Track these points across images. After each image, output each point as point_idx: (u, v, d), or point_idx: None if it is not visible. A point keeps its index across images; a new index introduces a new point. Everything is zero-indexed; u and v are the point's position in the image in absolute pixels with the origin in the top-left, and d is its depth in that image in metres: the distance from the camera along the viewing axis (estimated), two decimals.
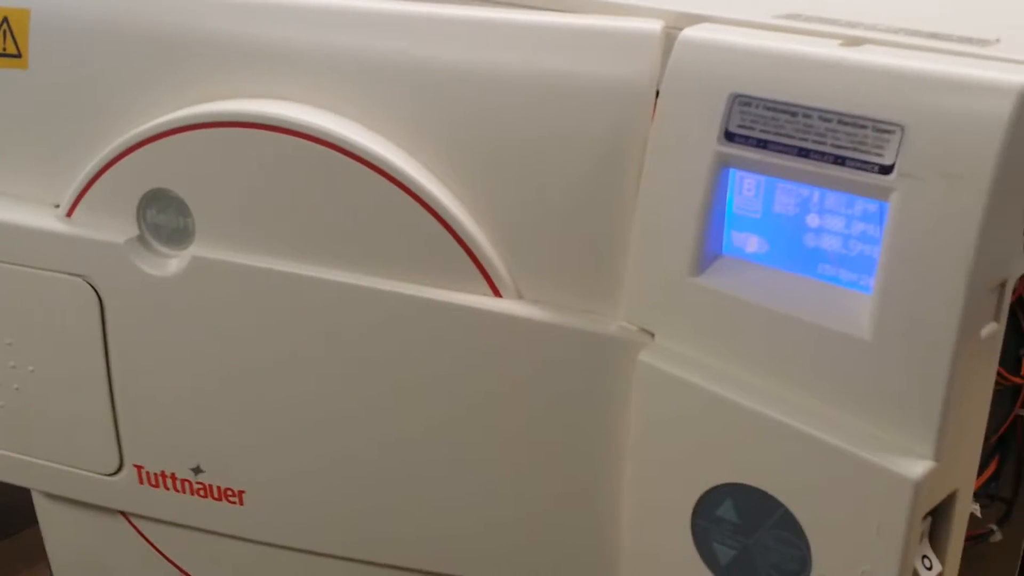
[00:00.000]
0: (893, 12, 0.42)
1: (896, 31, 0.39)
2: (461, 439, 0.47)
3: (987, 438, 0.44)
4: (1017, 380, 0.42)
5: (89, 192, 0.49)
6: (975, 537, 0.46)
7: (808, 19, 0.40)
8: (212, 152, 0.46)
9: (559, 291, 0.44)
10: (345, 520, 0.50)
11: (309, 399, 0.48)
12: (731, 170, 0.39)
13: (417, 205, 0.44)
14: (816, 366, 0.38)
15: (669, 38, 0.41)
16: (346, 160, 0.45)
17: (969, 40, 0.37)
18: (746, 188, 0.40)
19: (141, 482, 0.53)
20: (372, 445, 0.48)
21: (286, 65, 0.46)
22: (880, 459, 0.36)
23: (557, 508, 0.46)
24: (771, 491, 0.39)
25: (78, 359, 0.51)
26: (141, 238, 0.49)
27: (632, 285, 0.42)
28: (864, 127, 0.35)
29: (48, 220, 0.50)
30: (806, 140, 0.37)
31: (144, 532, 0.56)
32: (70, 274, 0.50)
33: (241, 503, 0.51)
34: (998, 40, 0.38)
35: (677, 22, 0.41)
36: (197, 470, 0.52)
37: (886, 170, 0.35)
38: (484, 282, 0.45)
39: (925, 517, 0.38)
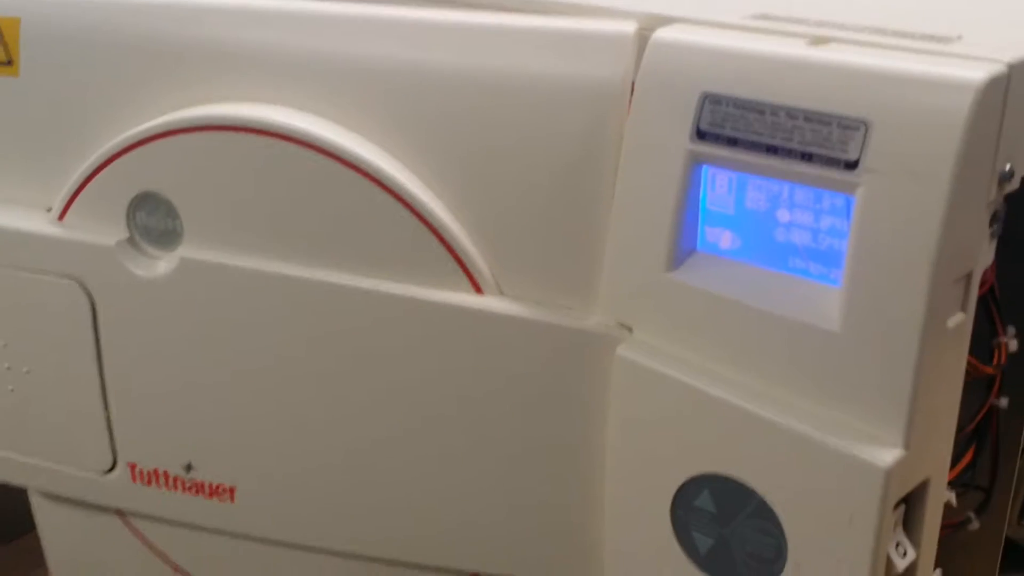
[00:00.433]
0: (861, 11, 0.43)
1: (862, 30, 0.39)
2: (446, 434, 0.47)
3: (963, 428, 0.45)
4: (990, 370, 0.43)
5: (80, 196, 0.50)
6: (953, 525, 0.47)
7: (777, 19, 0.41)
8: (198, 155, 0.47)
9: (539, 288, 0.45)
10: (334, 515, 0.51)
11: (297, 397, 0.49)
12: (704, 167, 0.40)
13: (399, 205, 0.45)
14: (788, 358, 0.38)
15: (642, 39, 0.41)
16: (329, 162, 0.45)
17: (932, 38, 0.38)
18: (719, 185, 0.40)
19: (134, 480, 0.54)
20: (359, 441, 0.49)
21: (270, 70, 0.47)
22: (851, 448, 0.37)
23: (540, 501, 0.47)
24: (746, 481, 0.40)
25: (71, 360, 0.52)
26: (131, 240, 0.50)
27: (610, 281, 0.43)
28: (829, 124, 0.36)
29: (40, 223, 0.51)
30: (774, 137, 0.38)
31: (139, 530, 0.57)
32: (62, 276, 0.51)
33: (232, 500, 0.52)
34: (960, 37, 0.38)
35: (650, 23, 0.42)
36: (188, 468, 0.53)
37: (851, 165, 0.36)
38: (466, 280, 0.46)
39: (898, 505, 0.39)
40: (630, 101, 0.41)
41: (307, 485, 0.51)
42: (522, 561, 0.49)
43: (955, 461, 0.44)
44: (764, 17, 0.42)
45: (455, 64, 0.44)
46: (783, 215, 0.39)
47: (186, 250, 0.49)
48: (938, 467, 0.40)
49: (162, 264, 0.50)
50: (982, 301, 0.43)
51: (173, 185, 0.48)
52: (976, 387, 0.45)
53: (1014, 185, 0.38)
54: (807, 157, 0.37)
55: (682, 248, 0.41)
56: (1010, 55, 0.36)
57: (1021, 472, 0.56)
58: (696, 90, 0.39)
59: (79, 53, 0.49)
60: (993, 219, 0.38)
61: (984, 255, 0.38)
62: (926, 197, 0.35)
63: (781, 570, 0.39)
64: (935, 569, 0.42)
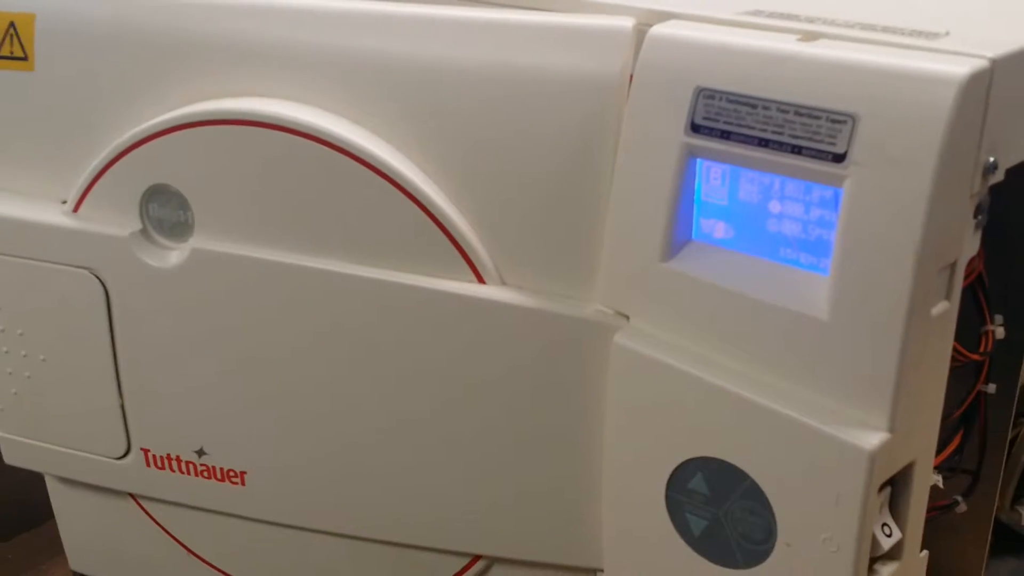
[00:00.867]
0: (853, 7, 0.44)
1: (852, 26, 0.40)
2: (450, 419, 0.49)
3: (951, 413, 0.46)
4: (976, 357, 0.44)
5: (94, 188, 0.51)
6: (941, 508, 0.48)
7: (770, 15, 0.42)
8: (209, 149, 0.48)
9: (540, 277, 0.46)
10: (342, 499, 0.53)
11: (305, 384, 0.51)
12: (698, 160, 0.41)
13: (404, 198, 0.47)
14: (778, 345, 0.40)
15: (640, 34, 0.42)
16: (336, 155, 0.47)
17: (920, 33, 0.39)
18: (713, 177, 0.42)
19: (148, 465, 0.55)
20: (366, 427, 0.51)
21: (279, 65, 0.48)
22: (837, 431, 0.38)
23: (542, 485, 0.49)
24: (738, 464, 0.41)
25: (86, 348, 0.54)
26: (144, 231, 0.51)
27: (607, 270, 0.44)
28: (818, 118, 0.37)
29: (55, 215, 0.53)
30: (766, 131, 0.39)
31: (152, 513, 0.58)
32: (77, 267, 0.52)
33: (243, 484, 0.54)
34: (947, 33, 0.39)
35: (647, 19, 0.43)
36: (201, 453, 0.54)
37: (839, 158, 0.37)
38: (469, 270, 0.47)
39: (884, 487, 0.40)
40: (628, 95, 0.43)
41: (315, 469, 0.52)
42: (524, 543, 0.50)
43: (943, 445, 0.46)
44: (757, 13, 0.43)
45: (459, 59, 0.45)
46: (774, 206, 0.40)
47: (197, 241, 0.50)
48: (924, 450, 0.41)
49: (174, 255, 0.51)
50: (970, 290, 0.44)
51: (185, 178, 0.50)
52: (964, 373, 0.46)
53: (998, 177, 0.39)
54: (797, 150, 0.38)
55: (677, 238, 0.42)
56: (994, 51, 0.37)
57: (1014, 458, 0.57)
58: (691, 84, 0.41)
59: (93, 48, 0.51)
60: (978, 210, 0.39)
61: (969, 245, 0.39)
62: (911, 189, 0.36)
63: (771, 550, 0.41)
64: (922, 551, 0.44)
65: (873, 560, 0.40)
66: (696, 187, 0.42)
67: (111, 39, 0.50)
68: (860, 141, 0.37)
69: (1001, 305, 0.46)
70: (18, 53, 0.52)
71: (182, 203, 0.50)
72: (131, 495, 0.58)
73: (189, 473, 0.55)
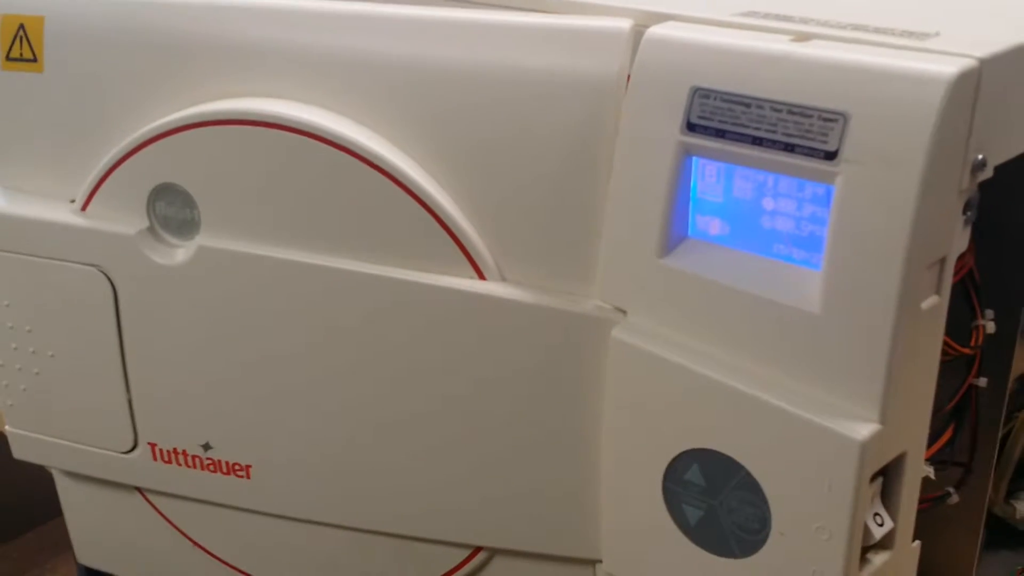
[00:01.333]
0: (847, 8, 0.45)
1: (844, 26, 0.41)
2: (451, 413, 0.50)
3: (943, 407, 0.47)
4: (967, 351, 0.45)
5: (102, 187, 0.52)
6: (933, 499, 0.49)
7: (765, 16, 0.43)
8: (215, 148, 0.49)
9: (539, 273, 0.47)
10: (345, 492, 0.53)
11: (309, 378, 0.52)
12: (694, 158, 0.42)
13: (407, 196, 0.47)
14: (772, 338, 0.41)
15: (637, 35, 0.43)
16: (340, 154, 0.48)
17: (911, 34, 0.40)
18: (708, 175, 0.43)
19: (155, 459, 0.56)
20: (369, 421, 0.51)
21: (284, 66, 0.49)
22: (830, 422, 0.39)
23: (542, 478, 0.49)
24: (733, 455, 0.42)
25: (94, 344, 0.55)
26: (151, 229, 0.52)
27: (605, 267, 0.45)
28: (810, 116, 0.38)
29: (64, 214, 0.53)
30: (759, 129, 0.40)
31: (158, 507, 0.59)
32: (85, 264, 0.53)
33: (248, 477, 0.55)
34: (938, 34, 0.40)
35: (645, 20, 0.44)
36: (207, 447, 0.55)
37: (831, 156, 0.38)
38: (469, 266, 0.48)
39: (876, 478, 0.41)
40: (625, 95, 0.44)
41: (319, 463, 0.53)
42: (524, 535, 0.51)
43: (935, 438, 0.46)
44: (752, 14, 0.44)
45: (460, 60, 0.46)
46: (768, 203, 0.41)
47: (203, 239, 0.51)
48: (915, 442, 0.42)
49: (180, 252, 0.52)
50: (961, 285, 0.45)
51: (191, 177, 0.51)
52: (956, 367, 0.47)
53: (987, 174, 0.40)
54: (790, 148, 0.39)
55: (674, 235, 0.43)
56: (983, 50, 0.38)
57: (1008, 453, 0.58)
58: (687, 84, 0.41)
59: (101, 50, 0.52)
60: (967, 207, 0.40)
61: (959, 241, 0.40)
62: (900, 186, 0.37)
63: (766, 539, 0.42)
64: (915, 541, 0.45)
65: (865, 549, 0.41)
66: (692, 185, 0.43)
67: (119, 41, 0.51)
68: (851, 139, 0.37)
69: (992, 300, 0.47)
70: (28, 55, 0.53)
71: (188, 202, 0.51)
72: (138, 489, 0.59)
73: (195, 467, 0.56)
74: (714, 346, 0.42)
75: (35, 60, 0.53)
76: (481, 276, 0.48)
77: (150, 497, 0.59)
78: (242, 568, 0.59)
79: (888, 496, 0.42)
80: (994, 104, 0.39)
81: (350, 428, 0.52)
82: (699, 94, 0.41)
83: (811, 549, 0.40)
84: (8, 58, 0.53)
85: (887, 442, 0.39)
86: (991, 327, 0.46)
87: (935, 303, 0.40)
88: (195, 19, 0.50)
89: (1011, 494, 0.60)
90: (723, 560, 0.43)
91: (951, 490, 0.49)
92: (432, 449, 0.51)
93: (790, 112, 0.39)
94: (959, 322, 0.45)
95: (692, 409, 0.43)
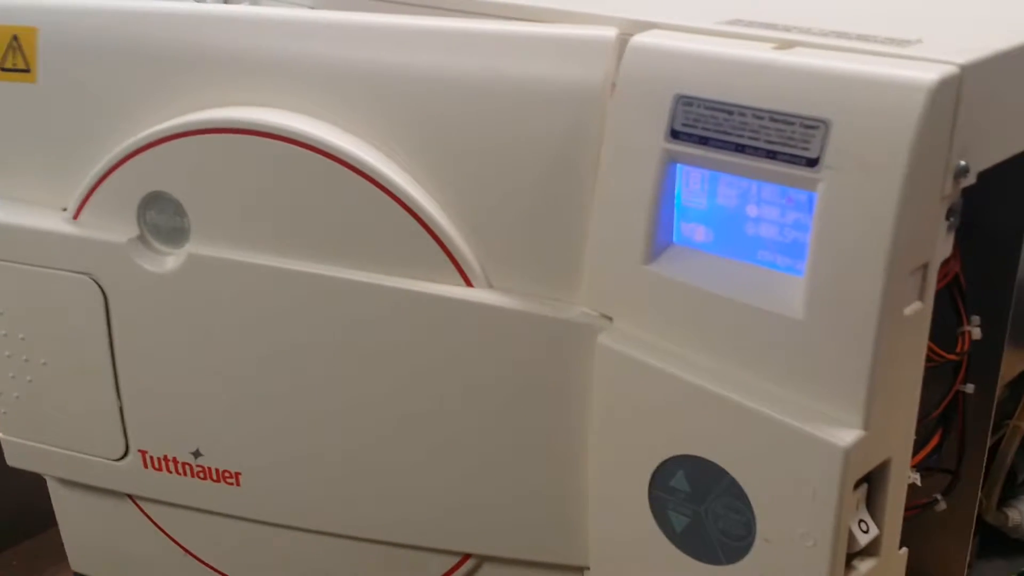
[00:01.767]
0: (831, 15, 0.45)
1: (827, 34, 0.42)
2: (438, 419, 0.50)
3: (929, 413, 0.47)
4: (952, 357, 0.45)
5: (93, 196, 0.53)
6: (921, 506, 0.49)
7: (749, 24, 0.43)
8: (205, 157, 0.50)
9: (526, 280, 0.47)
10: (334, 499, 0.54)
11: (298, 385, 0.52)
12: (678, 165, 0.42)
13: (394, 204, 0.48)
14: (756, 345, 0.41)
15: (622, 44, 0.44)
16: (328, 163, 0.48)
17: (892, 41, 0.40)
18: (692, 182, 0.43)
19: (145, 466, 0.57)
20: (357, 428, 0.52)
21: (273, 75, 0.49)
22: (813, 429, 0.39)
23: (530, 484, 0.49)
24: (718, 461, 0.42)
25: (85, 352, 0.55)
26: (142, 238, 0.52)
27: (591, 273, 0.45)
28: (792, 123, 0.38)
29: (56, 222, 0.54)
30: (742, 136, 0.40)
31: (150, 514, 0.59)
32: (77, 272, 0.54)
33: (238, 484, 0.55)
34: (920, 40, 0.40)
35: (630, 29, 0.44)
36: (197, 454, 0.55)
37: (812, 163, 0.38)
38: (457, 273, 0.48)
39: (860, 484, 0.41)
40: (610, 102, 0.44)
41: (309, 470, 0.53)
42: (512, 542, 0.51)
43: (922, 445, 0.46)
44: (736, 22, 0.44)
45: (446, 69, 0.47)
46: (752, 210, 0.41)
47: (193, 246, 0.51)
48: (900, 448, 0.42)
49: (171, 260, 0.52)
50: (947, 291, 0.45)
51: (181, 185, 0.51)
52: (944, 374, 0.47)
53: (970, 180, 0.40)
54: (772, 155, 0.39)
55: (659, 242, 0.43)
56: (965, 57, 0.38)
57: (999, 460, 0.58)
58: (670, 92, 0.42)
59: (93, 60, 0.52)
60: (950, 213, 0.40)
61: (942, 247, 0.40)
62: (882, 192, 0.37)
63: (751, 545, 0.42)
64: (901, 548, 0.44)
65: (851, 556, 0.41)
66: (676, 192, 0.43)
67: (110, 52, 0.52)
68: (833, 146, 0.38)
69: (978, 306, 0.47)
70: (21, 65, 0.54)
71: (179, 210, 0.51)
72: (130, 496, 0.59)
73: (186, 474, 0.56)
74: (699, 352, 0.42)
75: (28, 71, 0.54)
76: (468, 283, 0.48)
77: (142, 504, 0.59)
78: (233, 575, 0.59)
79: (873, 503, 0.42)
80: (977, 110, 0.39)
81: (339, 435, 0.52)
82: (683, 102, 0.41)
83: (796, 556, 0.40)
84: (1, 68, 0.54)
85: (871, 448, 0.39)
86: (977, 333, 0.46)
87: (919, 309, 0.40)
88: (185, 30, 0.50)
89: (1003, 502, 0.60)
90: (709, 567, 0.43)
91: (938, 497, 0.49)
92: (420, 456, 0.51)
93: (772, 119, 0.39)
94: (945, 328, 0.45)
95: (677, 415, 0.43)
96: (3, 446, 0.60)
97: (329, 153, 0.48)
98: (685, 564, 0.44)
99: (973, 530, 0.52)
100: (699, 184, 0.43)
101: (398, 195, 0.48)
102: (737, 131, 0.40)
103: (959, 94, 0.38)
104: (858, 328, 0.38)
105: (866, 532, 0.41)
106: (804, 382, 0.40)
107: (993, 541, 0.61)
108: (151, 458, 0.56)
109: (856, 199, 0.37)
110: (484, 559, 0.52)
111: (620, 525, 0.46)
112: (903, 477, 0.43)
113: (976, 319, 0.46)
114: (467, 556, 0.52)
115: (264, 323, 0.51)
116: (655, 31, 0.44)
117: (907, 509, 0.44)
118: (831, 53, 0.39)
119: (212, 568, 0.59)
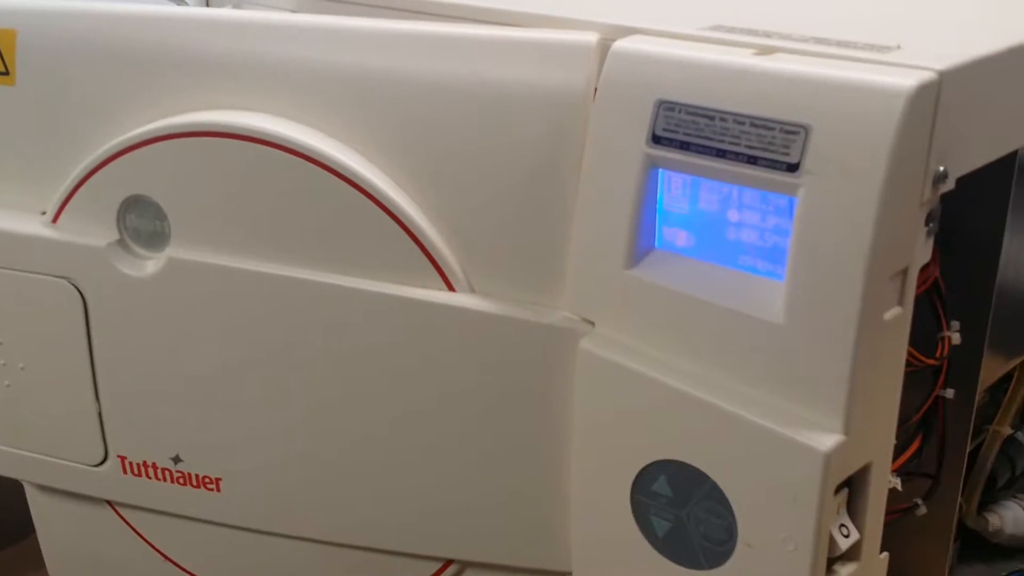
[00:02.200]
0: (812, 22, 0.45)
1: (807, 40, 0.42)
2: (421, 424, 0.50)
3: (910, 418, 0.47)
4: (932, 362, 0.45)
5: (73, 199, 0.52)
6: (902, 511, 0.49)
7: (730, 30, 0.44)
8: (185, 160, 0.49)
9: (508, 285, 0.47)
10: (315, 504, 0.53)
11: (279, 390, 0.51)
12: (659, 170, 0.42)
13: (376, 207, 0.48)
14: (737, 349, 0.41)
15: (604, 49, 0.44)
16: (309, 166, 0.48)
17: (872, 47, 0.41)
18: (674, 187, 0.43)
19: (125, 472, 0.56)
20: (339, 433, 0.51)
21: (254, 79, 0.49)
22: (793, 433, 0.39)
23: (512, 490, 0.49)
24: (699, 466, 0.42)
25: (64, 356, 0.55)
26: (121, 242, 0.52)
27: (573, 278, 0.45)
28: (772, 129, 0.39)
29: (35, 226, 0.53)
30: (723, 142, 0.40)
31: (129, 520, 0.59)
32: (56, 276, 0.53)
33: (218, 490, 0.55)
34: (899, 46, 0.41)
35: (611, 34, 0.44)
36: (176, 459, 0.55)
37: (792, 168, 0.38)
38: (439, 278, 0.48)
39: (841, 488, 0.41)
40: (592, 107, 0.44)
41: (289, 476, 0.53)
42: (494, 547, 0.51)
43: (903, 449, 0.47)
44: (718, 28, 0.44)
45: (428, 73, 0.46)
46: (733, 215, 0.42)
47: (173, 251, 0.51)
48: (880, 452, 0.42)
49: (151, 264, 0.52)
50: (927, 296, 0.45)
51: (161, 189, 0.51)
52: (925, 379, 0.47)
53: (949, 186, 0.40)
54: (753, 160, 0.39)
55: (641, 246, 0.43)
56: (944, 63, 0.38)
57: (980, 465, 0.58)
58: (652, 97, 0.42)
59: (72, 63, 0.52)
60: (929, 218, 0.40)
61: (921, 252, 0.40)
62: (861, 197, 0.37)
63: (732, 550, 0.42)
64: (883, 552, 0.45)
65: (832, 560, 0.41)
66: (658, 197, 0.43)
67: (90, 55, 0.51)
68: (813, 151, 0.38)
69: (958, 311, 0.47)
70: (0, 68, 0.53)
71: (159, 214, 0.51)
72: (109, 502, 0.59)
73: (165, 480, 0.55)
74: (681, 357, 0.42)
75: (7, 73, 0.53)
76: (450, 287, 0.48)
77: (121, 511, 0.59)
78: None
79: (854, 507, 0.42)
80: (955, 116, 0.39)
81: (320, 440, 0.52)
82: (664, 107, 0.41)
83: (777, 560, 0.40)
84: None
85: (851, 453, 0.40)
86: (957, 338, 0.46)
87: (898, 314, 0.40)
88: (166, 33, 0.50)
89: (983, 506, 0.61)
90: (691, 571, 0.43)
91: (919, 501, 0.49)
92: (402, 461, 0.51)
93: (753, 125, 0.39)
94: (925, 333, 0.45)
95: (659, 420, 0.43)
96: None
97: (310, 157, 0.48)
98: (667, 569, 0.44)
99: (953, 534, 0.53)
100: (681, 189, 0.43)
101: (380, 199, 0.47)
102: (718, 136, 0.40)
103: (938, 100, 0.38)
104: (838, 333, 0.38)
105: (847, 536, 0.41)
106: (785, 386, 0.40)
107: (973, 545, 0.61)
108: (130, 464, 0.56)
109: (836, 204, 0.37)
110: (466, 564, 0.52)
111: (602, 530, 0.46)
112: (884, 481, 0.43)
113: (956, 324, 0.46)
114: (449, 562, 0.52)
115: (245, 328, 0.51)
116: (637, 36, 0.44)
117: (888, 513, 0.44)
118: (811, 59, 0.40)
119: (191, 574, 0.59)
